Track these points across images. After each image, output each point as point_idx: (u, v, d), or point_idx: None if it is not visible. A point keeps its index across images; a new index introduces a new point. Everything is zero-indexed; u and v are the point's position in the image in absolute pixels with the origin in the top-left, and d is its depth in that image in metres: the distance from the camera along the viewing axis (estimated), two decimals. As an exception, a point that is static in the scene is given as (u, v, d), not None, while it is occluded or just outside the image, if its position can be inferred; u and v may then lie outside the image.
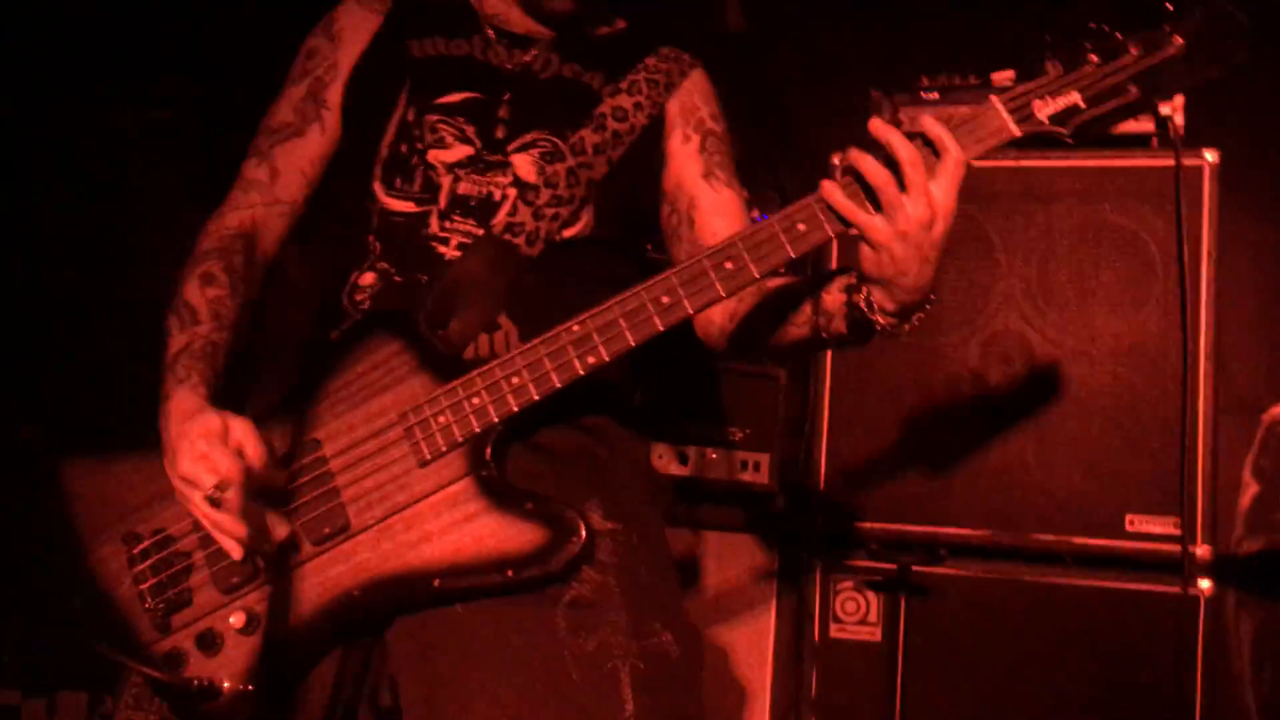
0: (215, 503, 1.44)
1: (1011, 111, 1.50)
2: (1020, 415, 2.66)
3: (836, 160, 2.83)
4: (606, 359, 1.52)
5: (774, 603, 2.87)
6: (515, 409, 1.54)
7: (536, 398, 1.53)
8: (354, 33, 1.87)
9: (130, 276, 3.21)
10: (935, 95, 2.81)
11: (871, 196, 1.43)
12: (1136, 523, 2.55)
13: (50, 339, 3.11)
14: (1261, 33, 1.51)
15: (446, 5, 1.90)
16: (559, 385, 1.53)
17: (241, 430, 1.51)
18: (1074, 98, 1.51)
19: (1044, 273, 2.71)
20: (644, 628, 1.53)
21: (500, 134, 1.77)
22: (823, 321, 1.60)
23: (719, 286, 1.51)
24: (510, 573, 1.50)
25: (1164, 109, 2.64)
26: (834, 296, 1.58)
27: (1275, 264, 3.17)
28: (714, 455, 2.89)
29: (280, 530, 1.53)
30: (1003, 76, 2.76)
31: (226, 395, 1.61)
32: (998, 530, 2.62)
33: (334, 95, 1.84)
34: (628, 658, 1.52)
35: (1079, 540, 2.57)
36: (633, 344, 1.52)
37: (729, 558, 2.90)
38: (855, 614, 2.69)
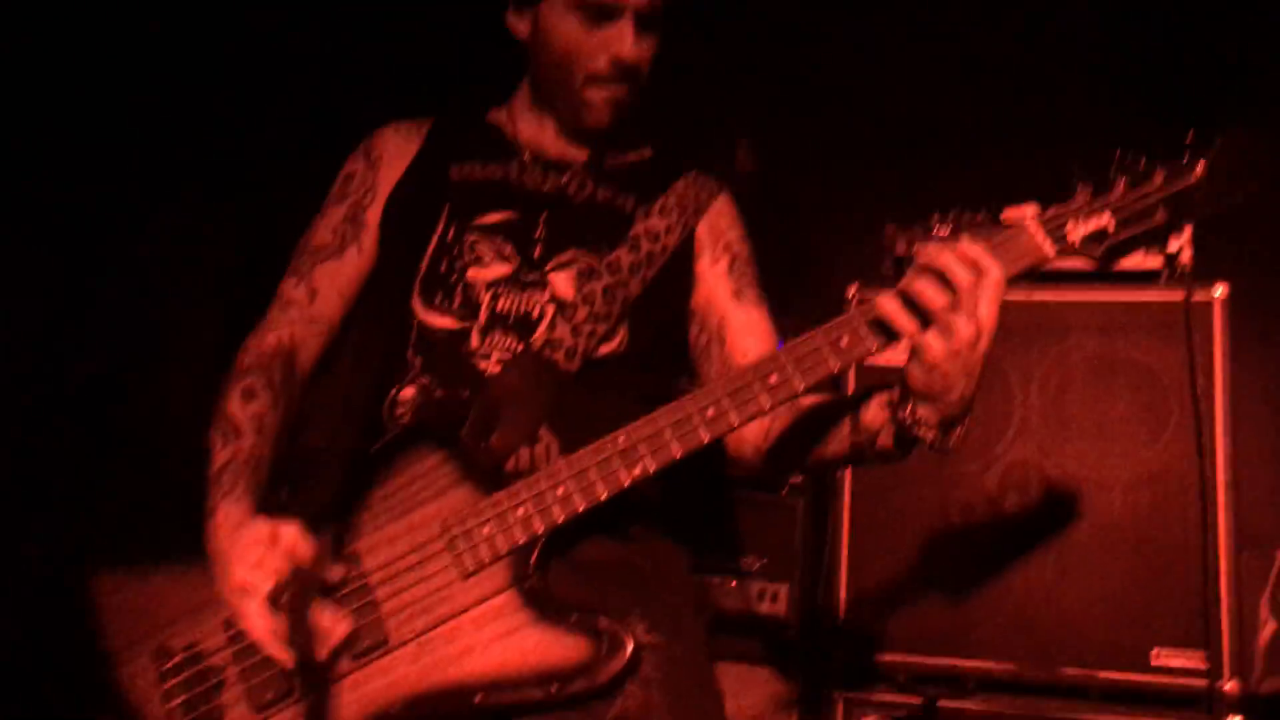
0: (273, 607, 1.43)
1: (1047, 233, 1.54)
2: (1041, 545, 2.65)
3: (852, 292, 2.88)
4: (652, 470, 1.53)
5: (794, 738, 2.81)
6: (560, 520, 1.54)
7: (582, 509, 1.54)
8: (392, 156, 1.93)
9: (159, 398, 3.24)
10: (947, 231, 2.88)
11: (919, 314, 1.46)
12: (1162, 656, 2.52)
13: (84, 451, 3.10)
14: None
15: (483, 132, 1.97)
16: (604, 496, 1.54)
17: (291, 534, 1.52)
18: (1105, 220, 1.55)
19: (1060, 404, 2.73)
20: (691, 742, 1.50)
21: (538, 253, 1.82)
22: (862, 438, 1.62)
23: (763, 399, 1.52)
24: (555, 687, 1.48)
25: (1172, 245, 2.73)
26: (874, 413, 1.60)
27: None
28: (731, 585, 2.87)
29: (341, 627, 1.51)
30: (1014, 214, 2.85)
31: (268, 508, 1.61)
32: (1023, 663, 2.58)
33: (372, 216, 1.89)
34: None
35: (1105, 675, 2.53)
36: (678, 455, 1.53)
37: (747, 690, 2.84)
38: (879, 750, 2.64)
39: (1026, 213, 1.60)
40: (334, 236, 1.89)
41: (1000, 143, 3.42)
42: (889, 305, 1.48)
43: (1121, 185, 1.56)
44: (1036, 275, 2.77)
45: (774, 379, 1.53)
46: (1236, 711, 2.47)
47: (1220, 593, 2.52)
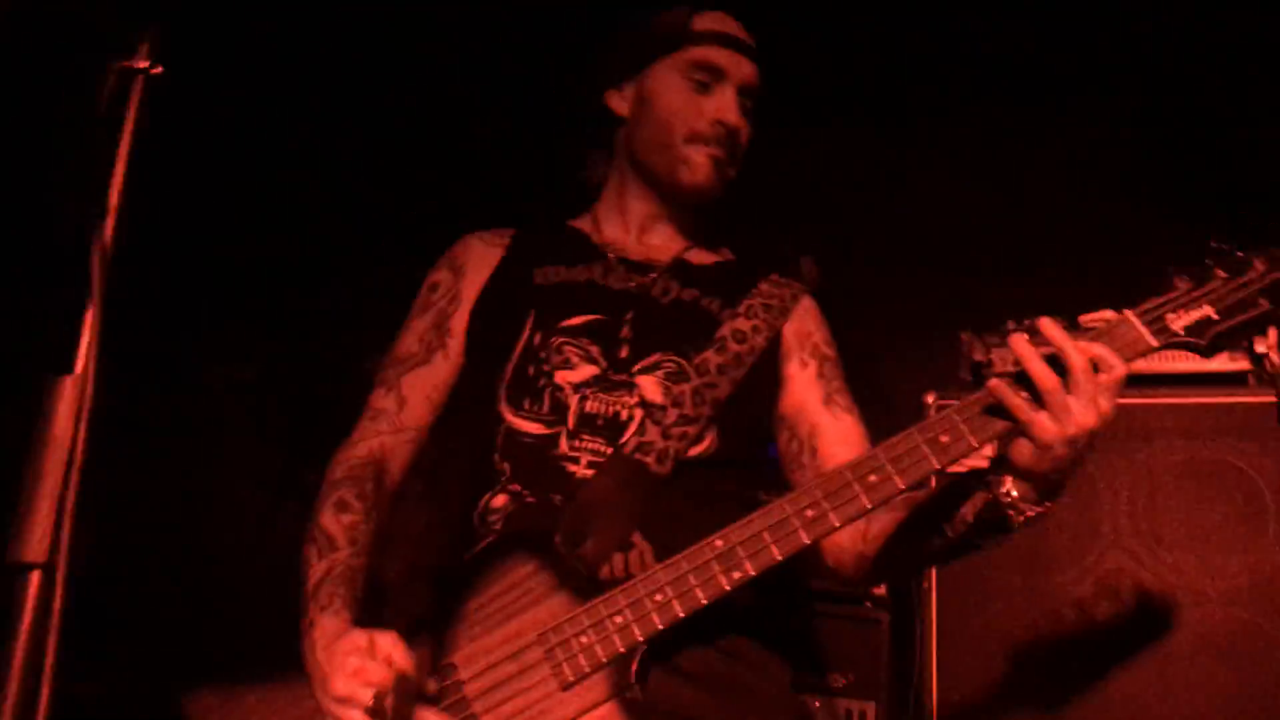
0: (377, 714, 1.40)
1: (1147, 324, 1.53)
2: (1138, 657, 2.56)
3: (930, 400, 2.85)
4: (753, 574, 1.50)
5: None
6: (661, 626, 1.51)
7: (682, 615, 1.51)
8: (477, 264, 1.96)
9: (215, 526, 3.27)
10: (1025, 335, 2.86)
11: (1033, 397, 1.44)
12: (1267, 773, 2.41)
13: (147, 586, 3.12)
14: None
15: (566, 237, 2.01)
16: (705, 601, 1.51)
17: (388, 642, 1.50)
18: (1206, 310, 1.54)
19: (1150, 510, 2.66)
20: None
21: (624, 353, 1.82)
22: (958, 530, 1.59)
23: (864, 498, 1.50)
24: (659, 799, 1.44)
25: (1259, 347, 2.69)
26: (973, 504, 1.56)
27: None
28: (816, 704, 2.78)
29: None
30: (1091, 318, 2.83)
31: (365, 622, 1.60)
32: (1123, 782, 2.47)
33: (459, 323, 1.91)
34: None
35: (1212, 795, 2.42)
36: (779, 558, 1.51)
37: (839, 816, 2.74)
38: None
39: (1108, 314, 1.60)
40: (420, 345, 1.90)
41: (1067, 248, 3.42)
42: (998, 384, 1.46)
43: (1220, 275, 1.55)
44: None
45: (873, 478, 1.50)
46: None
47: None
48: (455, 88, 3.58)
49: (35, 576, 0.90)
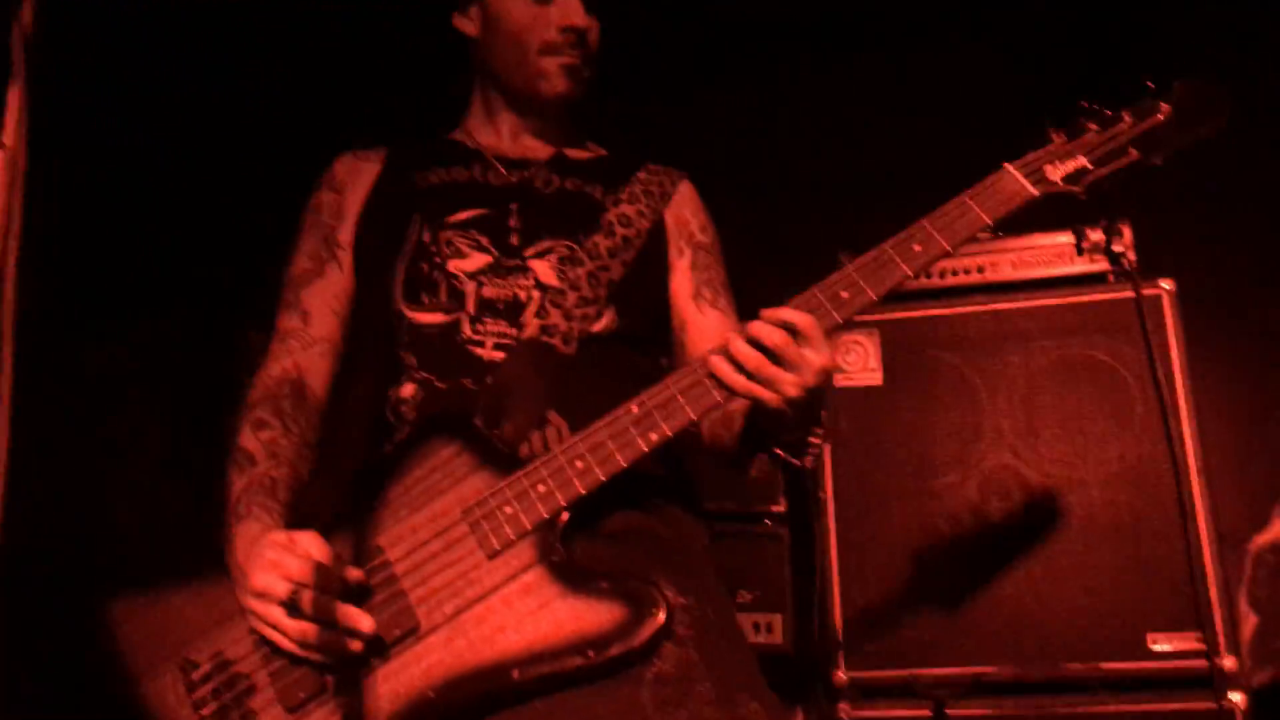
0: (292, 608, 1.41)
1: (1026, 175, 1.61)
2: (1027, 547, 2.68)
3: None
4: (670, 434, 1.54)
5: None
6: (582, 491, 1.54)
7: (603, 478, 1.54)
8: (355, 179, 1.96)
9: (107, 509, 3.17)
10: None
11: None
12: (1159, 642, 2.55)
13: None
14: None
15: (441, 146, 2.02)
16: (624, 464, 1.54)
17: (307, 538, 1.50)
18: (1081, 161, 1.63)
19: (1028, 409, 2.79)
20: (732, 697, 1.48)
21: (515, 240, 1.84)
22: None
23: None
24: (592, 653, 1.46)
25: (1116, 246, 2.84)
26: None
27: (1245, 391, 3.31)
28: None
29: (364, 624, 1.48)
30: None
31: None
32: (1025, 664, 2.59)
33: (345, 236, 1.91)
34: None
35: (1106, 666, 2.55)
36: (694, 417, 1.55)
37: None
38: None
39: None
40: (313, 262, 1.90)
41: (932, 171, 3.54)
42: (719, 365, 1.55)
43: (1093, 128, 1.65)
44: (992, 288, 2.92)
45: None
46: (1237, 687, 2.49)
47: (1207, 574, 2.56)
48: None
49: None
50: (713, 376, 1.55)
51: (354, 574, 1.53)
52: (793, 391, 1.52)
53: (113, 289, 3.41)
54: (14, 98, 0.92)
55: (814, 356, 1.53)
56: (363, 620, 1.49)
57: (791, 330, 1.52)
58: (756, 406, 1.59)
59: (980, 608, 2.65)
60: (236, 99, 3.62)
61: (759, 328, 1.54)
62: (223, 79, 3.59)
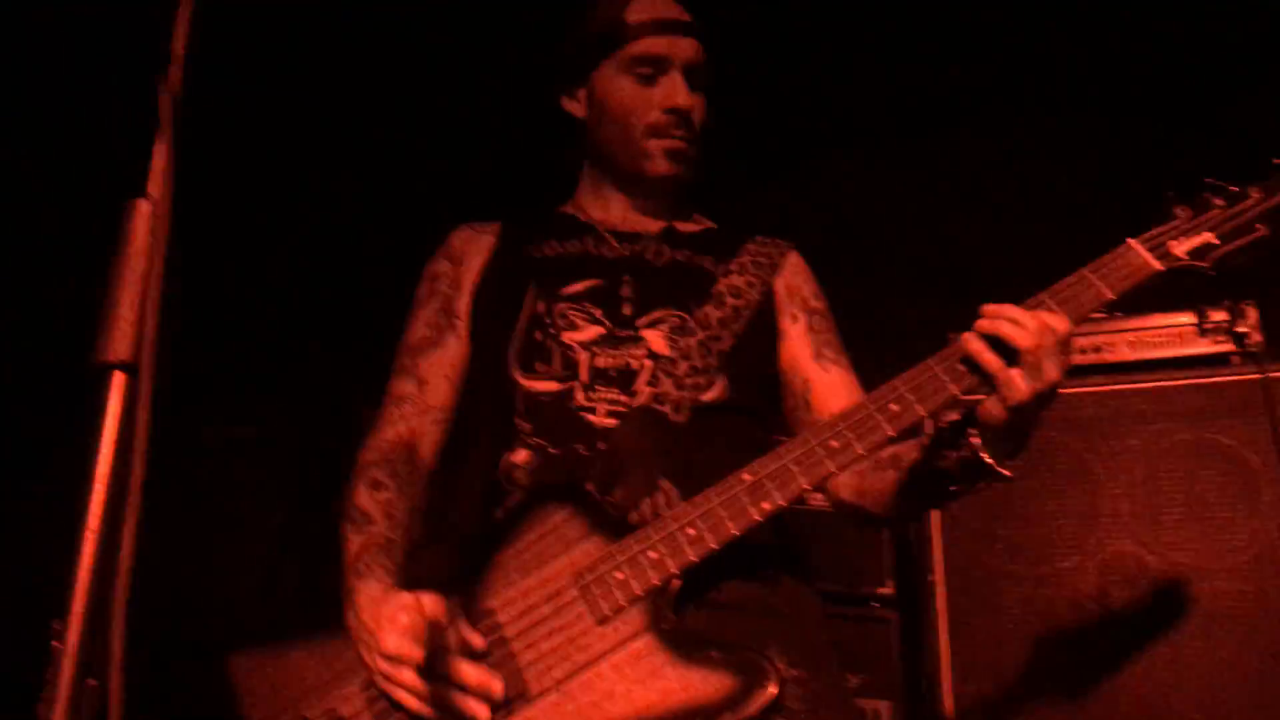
0: (425, 671, 1.42)
1: (1150, 250, 1.59)
2: (1151, 638, 2.58)
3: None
4: (782, 504, 1.53)
5: None
6: (694, 559, 1.53)
7: (715, 546, 1.53)
8: (473, 250, 2.02)
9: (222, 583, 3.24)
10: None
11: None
12: (1288, 742, 2.42)
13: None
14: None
15: (554, 220, 2.07)
16: (736, 532, 1.53)
17: (433, 601, 1.51)
18: (1207, 236, 1.60)
19: (1149, 493, 2.71)
20: (843, 773, 1.45)
21: (628, 310, 1.87)
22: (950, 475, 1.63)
23: (887, 427, 1.54)
24: (701, 724, 1.44)
25: (1240, 327, 2.76)
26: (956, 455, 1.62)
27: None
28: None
29: (495, 688, 1.49)
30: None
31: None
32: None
33: (463, 306, 1.96)
34: None
35: (1236, 766, 2.43)
36: (807, 486, 1.54)
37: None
38: None
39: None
40: (431, 330, 1.94)
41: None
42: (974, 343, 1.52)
43: (1219, 204, 1.62)
44: (1110, 368, 2.85)
45: (894, 407, 1.55)
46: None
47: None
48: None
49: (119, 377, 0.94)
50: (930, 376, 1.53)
51: (477, 640, 1.54)
52: (1038, 386, 1.48)
53: (232, 365, 3.52)
54: (160, 151, 0.96)
55: (1051, 365, 1.50)
56: (494, 684, 1.50)
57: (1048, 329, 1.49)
58: (975, 413, 1.55)
59: (1100, 701, 2.55)
60: (353, 181, 3.75)
61: (1012, 310, 1.52)
62: (343, 167, 3.71)
